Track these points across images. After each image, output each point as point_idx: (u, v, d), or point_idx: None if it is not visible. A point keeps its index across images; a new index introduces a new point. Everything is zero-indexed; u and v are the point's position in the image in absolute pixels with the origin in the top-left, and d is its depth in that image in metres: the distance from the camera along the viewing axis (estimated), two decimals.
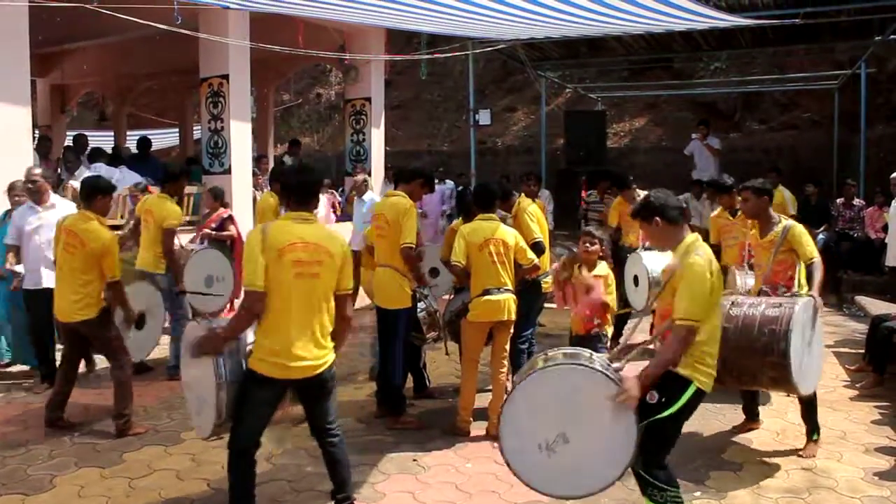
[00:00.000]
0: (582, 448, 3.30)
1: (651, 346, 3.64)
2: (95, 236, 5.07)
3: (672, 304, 3.39)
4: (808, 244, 4.87)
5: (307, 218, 3.61)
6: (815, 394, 4.79)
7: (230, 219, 7.78)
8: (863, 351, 6.76)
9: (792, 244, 4.86)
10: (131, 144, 14.55)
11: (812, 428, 4.88)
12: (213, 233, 7.70)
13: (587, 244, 5.18)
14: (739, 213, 5.90)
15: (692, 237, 3.49)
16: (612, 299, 5.14)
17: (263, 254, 3.43)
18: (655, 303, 3.83)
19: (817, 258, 4.86)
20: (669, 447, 3.43)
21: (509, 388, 5.05)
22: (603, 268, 5.19)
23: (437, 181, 12.49)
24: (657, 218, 3.49)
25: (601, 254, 5.26)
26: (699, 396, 3.37)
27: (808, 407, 4.86)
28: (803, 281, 4.90)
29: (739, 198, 5.41)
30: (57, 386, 5.36)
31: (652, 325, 3.98)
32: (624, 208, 7.94)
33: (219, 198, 7.94)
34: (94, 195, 5.25)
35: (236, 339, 3.62)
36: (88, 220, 5.16)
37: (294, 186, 3.66)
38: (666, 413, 3.30)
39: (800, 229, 4.90)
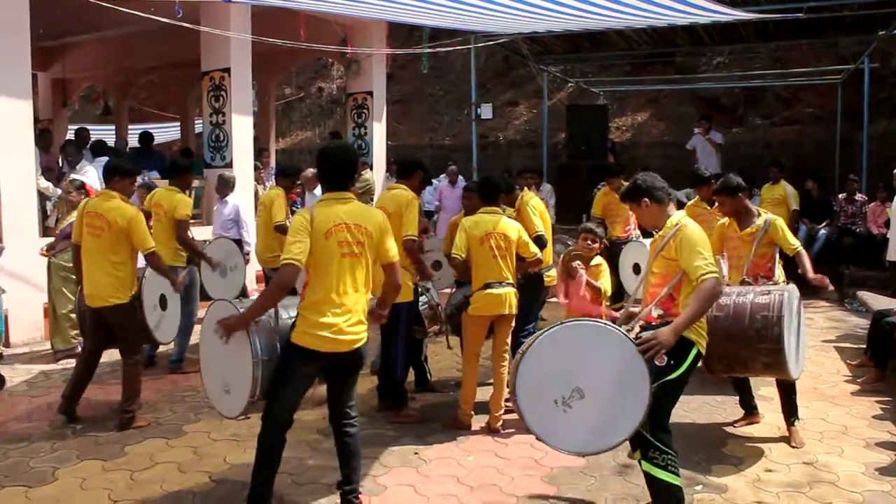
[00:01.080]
0: (597, 403, 3.40)
1: (651, 317, 3.70)
2: (120, 213, 5.07)
3: (667, 269, 3.63)
4: (790, 237, 5.06)
5: (346, 198, 3.71)
6: (794, 381, 4.86)
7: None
8: (864, 346, 6.75)
9: (774, 238, 5.01)
10: (133, 139, 14.55)
11: (790, 413, 4.95)
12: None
13: (589, 241, 5.20)
14: (717, 204, 5.95)
15: (679, 214, 3.73)
16: (605, 281, 5.21)
17: (310, 235, 3.54)
18: (641, 288, 3.90)
19: (800, 247, 5.06)
20: (671, 409, 3.62)
21: (510, 382, 5.08)
22: (597, 258, 5.30)
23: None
24: (646, 199, 3.74)
25: (599, 250, 5.31)
26: (699, 359, 3.60)
27: (789, 392, 4.94)
28: (781, 268, 5.08)
29: (715, 199, 5.52)
30: (76, 375, 5.30)
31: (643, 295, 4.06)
32: (609, 199, 7.90)
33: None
34: (112, 176, 5.26)
35: (269, 316, 3.69)
36: (110, 198, 5.16)
37: (330, 168, 3.74)
38: (674, 375, 3.49)
39: (780, 223, 5.05)
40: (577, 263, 5.11)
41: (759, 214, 5.11)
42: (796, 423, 4.96)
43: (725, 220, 5.25)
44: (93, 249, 5.13)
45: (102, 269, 5.08)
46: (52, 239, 7.23)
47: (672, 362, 3.47)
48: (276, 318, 3.72)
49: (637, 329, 3.62)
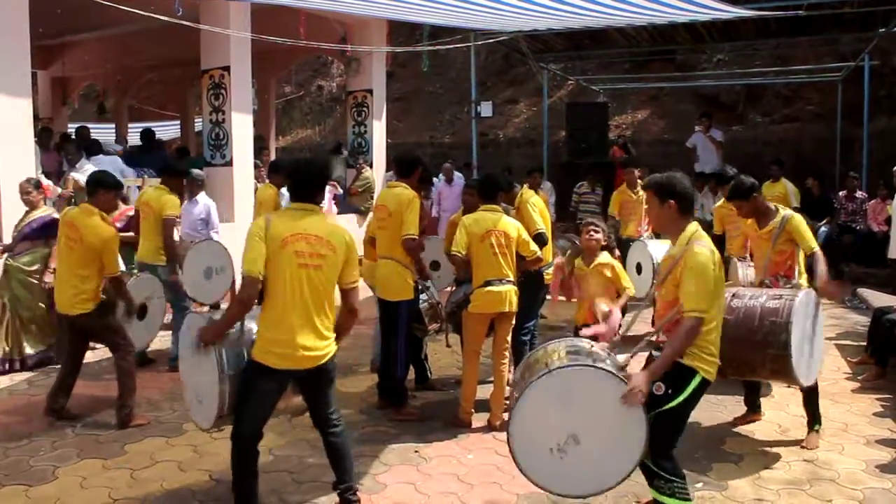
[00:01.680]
0: (593, 447, 3.31)
1: (654, 338, 3.62)
2: (94, 232, 5.05)
3: (674, 295, 3.40)
4: (808, 235, 4.89)
5: (310, 210, 3.64)
6: (816, 385, 4.79)
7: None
8: (865, 343, 6.75)
9: (791, 235, 4.87)
10: (133, 137, 14.55)
11: (813, 419, 4.90)
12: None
13: (591, 231, 5.15)
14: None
15: (693, 226, 3.47)
16: (625, 282, 5.14)
17: (265, 243, 3.47)
18: (655, 293, 3.81)
19: (818, 249, 4.89)
20: (676, 438, 3.44)
21: (511, 380, 5.06)
22: (605, 256, 5.19)
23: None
24: (672, 201, 3.46)
25: (604, 243, 5.24)
26: (704, 386, 3.38)
27: (810, 398, 4.88)
28: (803, 268, 4.94)
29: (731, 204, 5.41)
30: (59, 375, 5.33)
31: (653, 318, 3.98)
32: (625, 197, 7.89)
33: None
34: (96, 189, 5.24)
35: (236, 328, 3.64)
36: (91, 214, 5.14)
37: (298, 179, 3.69)
38: (672, 404, 3.32)
39: (798, 219, 4.91)
40: (603, 306, 4.84)
41: (778, 211, 4.98)
42: (818, 428, 4.88)
43: (745, 220, 5.17)
44: (65, 258, 5.15)
45: (69, 281, 5.10)
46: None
47: (669, 391, 3.31)
48: (241, 331, 3.67)
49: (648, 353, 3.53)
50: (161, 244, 6.39)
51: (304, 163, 3.81)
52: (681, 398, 3.32)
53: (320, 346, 3.57)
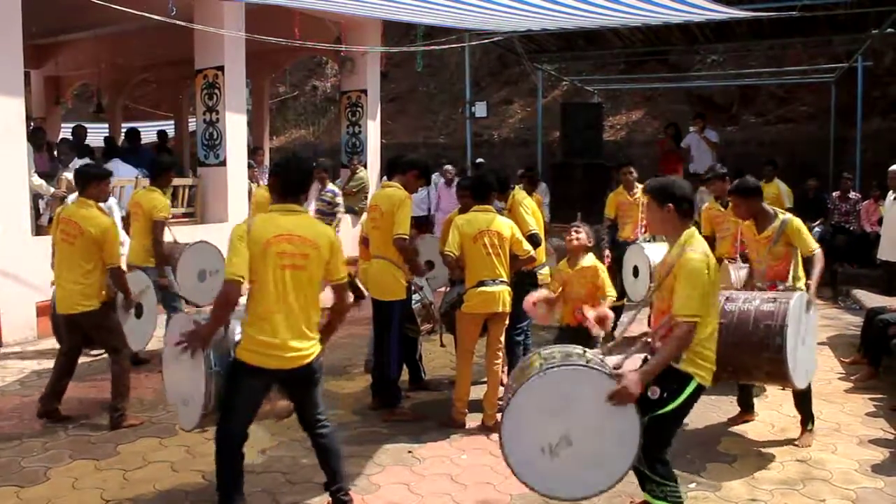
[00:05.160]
0: (586, 449, 3.27)
1: (649, 341, 3.59)
2: (95, 222, 5.05)
3: (669, 303, 3.37)
4: (808, 237, 4.87)
5: (294, 210, 3.61)
6: (809, 385, 4.79)
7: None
8: (858, 343, 6.77)
9: (791, 238, 4.84)
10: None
11: (806, 418, 4.91)
12: None
13: (573, 232, 5.14)
14: (731, 204, 5.85)
15: (690, 231, 3.45)
16: (609, 289, 5.10)
17: (248, 246, 3.44)
18: (653, 296, 3.79)
19: (818, 250, 4.86)
20: (669, 442, 3.44)
21: (504, 381, 5.06)
22: (590, 259, 5.16)
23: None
24: (671, 205, 3.44)
25: (589, 244, 5.20)
26: (699, 392, 3.37)
27: (803, 399, 4.89)
28: (800, 273, 4.91)
29: (729, 199, 5.36)
30: (52, 378, 5.30)
31: (649, 318, 3.96)
32: (621, 199, 7.88)
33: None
34: (88, 182, 5.23)
35: (222, 331, 3.61)
36: (87, 206, 5.15)
37: (281, 178, 3.66)
38: (668, 408, 3.31)
39: (798, 223, 4.87)
40: (590, 313, 4.91)
41: (777, 215, 4.93)
42: (811, 427, 4.91)
43: (747, 221, 5.10)
44: (65, 256, 5.11)
45: (72, 277, 5.07)
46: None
47: (665, 395, 3.30)
48: (226, 331, 3.64)
49: (638, 359, 3.48)
50: (150, 246, 6.34)
51: (291, 161, 3.76)
52: (676, 403, 3.32)
53: (305, 346, 3.55)
